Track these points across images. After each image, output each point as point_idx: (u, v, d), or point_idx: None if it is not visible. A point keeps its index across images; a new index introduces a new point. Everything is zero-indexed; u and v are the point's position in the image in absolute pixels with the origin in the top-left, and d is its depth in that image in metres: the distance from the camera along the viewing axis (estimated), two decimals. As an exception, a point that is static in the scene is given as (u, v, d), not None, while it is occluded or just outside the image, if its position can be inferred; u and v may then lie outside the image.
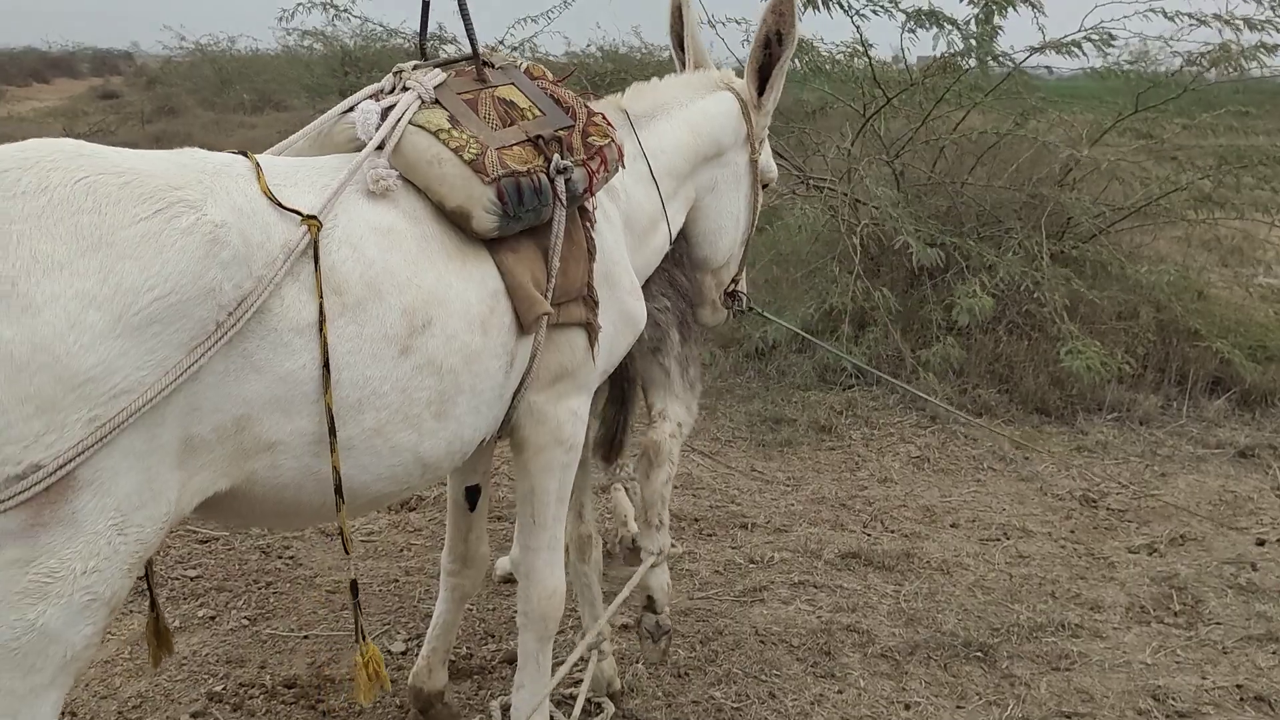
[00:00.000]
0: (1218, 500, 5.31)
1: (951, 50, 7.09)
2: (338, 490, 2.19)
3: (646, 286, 3.08)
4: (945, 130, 7.49)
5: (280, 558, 4.39)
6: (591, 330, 2.74)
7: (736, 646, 3.87)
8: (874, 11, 7.10)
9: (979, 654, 3.83)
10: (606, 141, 2.76)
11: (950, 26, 6.97)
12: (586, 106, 2.82)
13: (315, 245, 2.10)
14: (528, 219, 2.53)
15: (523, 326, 2.52)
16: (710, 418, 6.23)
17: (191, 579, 4.16)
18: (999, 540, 4.85)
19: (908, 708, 3.53)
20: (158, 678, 3.50)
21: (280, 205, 2.10)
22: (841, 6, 6.99)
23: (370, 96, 2.60)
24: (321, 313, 2.08)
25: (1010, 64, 7.22)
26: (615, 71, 10.12)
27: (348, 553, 2.32)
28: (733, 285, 3.52)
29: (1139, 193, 7.17)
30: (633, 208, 3.02)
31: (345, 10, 10.59)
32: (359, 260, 2.20)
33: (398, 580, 4.27)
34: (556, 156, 2.60)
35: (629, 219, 3.00)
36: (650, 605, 3.36)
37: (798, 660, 3.80)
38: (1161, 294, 6.71)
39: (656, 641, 3.39)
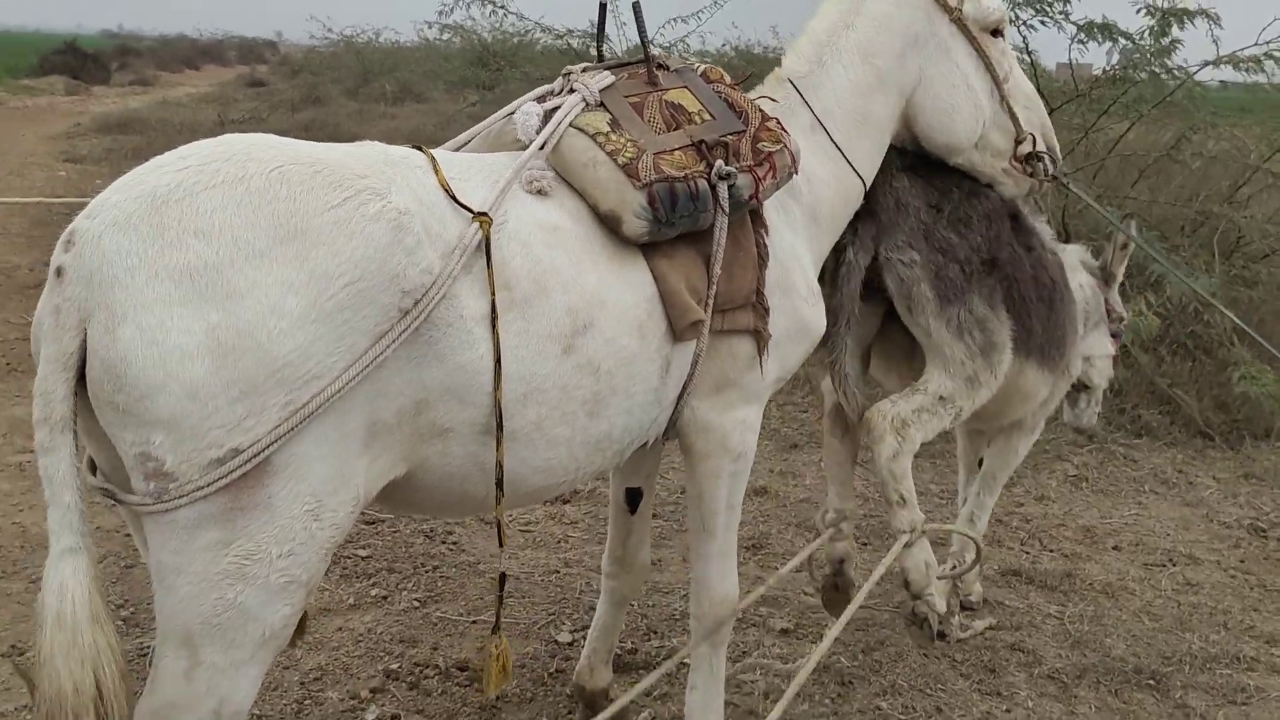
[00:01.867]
0: (1397, 536, 5.09)
1: (1124, 62, 6.90)
2: (499, 484, 2.25)
3: (892, 237, 3.05)
4: (1105, 144, 7.30)
5: (444, 543, 4.49)
6: (761, 339, 2.69)
7: (899, 658, 3.83)
8: (1041, 22, 6.94)
9: (1150, 682, 3.74)
10: (778, 148, 2.70)
11: (1124, 39, 6.78)
12: (762, 111, 2.77)
13: (487, 241, 2.14)
14: (683, 225, 2.50)
15: (675, 334, 2.50)
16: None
17: (363, 559, 4.28)
18: (1165, 566, 4.72)
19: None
20: (336, 652, 3.62)
21: (456, 200, 2.16)
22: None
23: (537, 98, 2.64)
24: (494, 308, 2.13)
25: (1182, 77, 6.99)
26: (750, 69, 10.08)
27: (501, 545, 2.41)
28: (1026, 148, 3.18)
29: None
30: (817, 195, 2.92)
31: (501, 6, 10.74)
32: (527, 257, 2.24)
33: (558, 571, 4.33)
34: (720, 162, 2.56)
35: (814, 211, 2.92)
36: (907, 586, 3.20)
37: (962, 676, 3.75)
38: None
39: (920, 627, 3.26)
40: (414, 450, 2.12)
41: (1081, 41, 6.84)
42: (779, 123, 2.76)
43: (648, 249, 2.50)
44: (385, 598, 4.02)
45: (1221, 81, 8.37)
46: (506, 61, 14.14)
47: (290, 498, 1.90)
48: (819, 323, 2.87)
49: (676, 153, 2.54)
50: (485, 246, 2.14)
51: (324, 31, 24.05)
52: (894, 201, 3.08)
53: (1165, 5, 6.77)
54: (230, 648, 1.91)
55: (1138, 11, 6.82)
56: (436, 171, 2.19)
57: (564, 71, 2.68)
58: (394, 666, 3.56)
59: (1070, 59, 7.11)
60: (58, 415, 1.84)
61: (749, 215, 2.66)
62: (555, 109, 2.56)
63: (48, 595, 1.82)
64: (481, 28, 13.86)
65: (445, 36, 17.83)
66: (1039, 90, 7.16)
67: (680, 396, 2.62)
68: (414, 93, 21.31)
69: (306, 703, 3.36)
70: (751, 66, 10.68)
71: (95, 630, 1.82)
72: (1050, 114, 7.11)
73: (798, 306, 2.79)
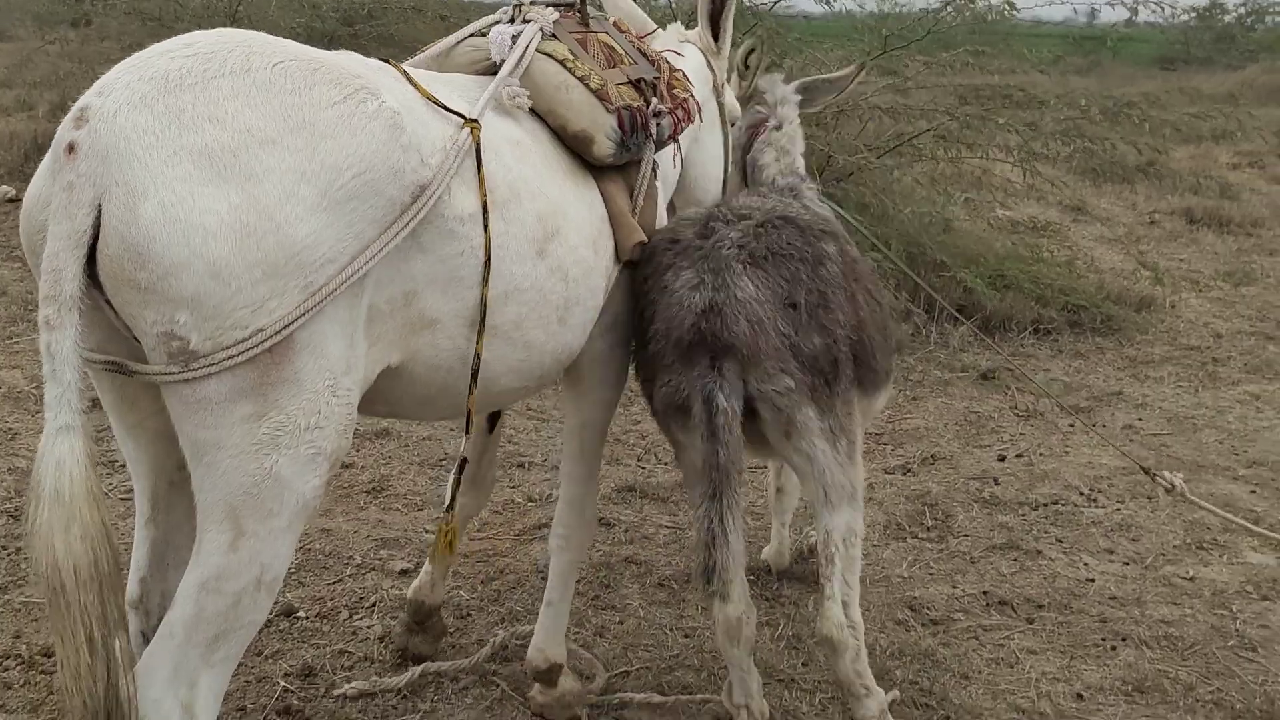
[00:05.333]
0: (964, 420, 5.68)
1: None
2: (474, 375, 2.39)
3: (760, 368, 2.66)
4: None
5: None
6: None
7: (518, 585, 3.91)
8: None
9: (750, 579, 3.97)
10: (687, 95, 3.04)
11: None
12: (668, 61, 3.08)
13: (478, 145, 2.30)
14: (634, 152, 2.78)
15: (619, 253, 2.75)
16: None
17: (-69, 549, 3.88)
18: (763, 467, 5.04)
19: (687, 635, 3.65)
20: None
21: (444, 107, 2.31)
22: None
23: (486, 27, 2.82)
24: (485, 207, 2.28)
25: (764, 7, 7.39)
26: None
27: (468, 432, 2.57)
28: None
29: (890, 130, 7.49)
30: (666, 171, 3.21)
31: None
32: (500, 164, 2.40)
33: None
34: (655, 100, 2.85)
35: (665, 180, 3.18)
36: None
37: (578, 594, 3.86)
38: (911, 227, 7.05)
39: None
40: (406, 341, 2.25)
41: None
42: (684, 73, 3.11)
43: (596, 172, 2.74)
44: (-41, 590, 3.67)
45: (805, 16, 8.90)
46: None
47: (315, 373, 1.99)
48: None
49: (624, 86, 2.80)
50: (476, 150, 2.30)
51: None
52: (748, 324, 2.63)
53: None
54: (269, 516, 2.01)
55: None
56: (414, 83, 2.32)
57: (514, 3, 2.89)
58: (-27, 662, 3.26)
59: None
60: (67, 293, 1.81)
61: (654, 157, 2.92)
62: (518, 35, 2.74)
63: (44, 472, 1.81)
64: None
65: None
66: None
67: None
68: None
69: None
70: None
71: (92, 507, 1.83)
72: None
73: None
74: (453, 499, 2.89)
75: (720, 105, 3.56)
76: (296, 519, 2.06)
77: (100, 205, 1.82)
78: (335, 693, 3.20)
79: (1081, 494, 4.76)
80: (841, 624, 2.77)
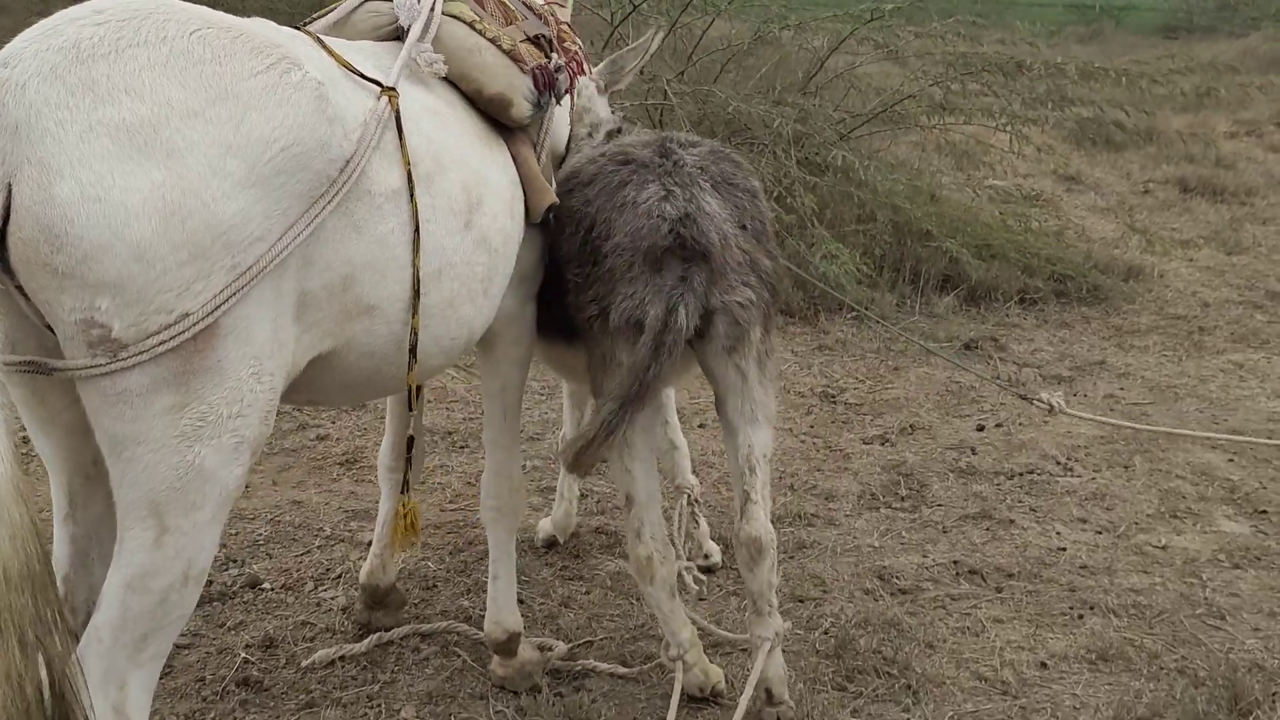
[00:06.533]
0: (944, 391, 5.66)
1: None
2: (412, 350, 2.34)
3: (726, 279, 2.69)
4: (691, 39, 7.56)
5: None
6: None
7: (486, 557, 3.89)
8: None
9: (719, 545, 3.98)
10: (576, 48, 3.01)
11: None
12: (555, 15, 3.01)
13: (398, 114, 2.22)
14: (544, 111, 2.74)
15: (530, 216, 2.69)
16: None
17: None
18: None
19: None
20: None
21: (361, 75, 2.23)
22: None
23: None
24: (410, 178, 2.21)
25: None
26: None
27: (412, 408, 2.64)
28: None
29: (875, 100, 7.44)
30: (559, 127, 3.17)
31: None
32: (421, 135, 2.31)
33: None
34: (555, 56, 2.81)
35: (557, 136, 3.10)
36: (770, 699, 2.97)
37: (546, 565, 3.86)
38: (896, 197, 7.00)
39: None
40: (341, 327, 2.18)
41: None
42: (570, 27, 3.08)
43: (506, 134, 2.68)
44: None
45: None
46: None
47: (238, 359, 1.92)
48: None
49: (525, 44, 2.73)
50: (396, 119, 2.21)
51: None
52: (718, 236, 2.66)
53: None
54: (193, 509, 1.94)
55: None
56: (331, 51, 2.24)
57: None
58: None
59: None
60: None
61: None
62: None
63: None
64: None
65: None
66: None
67: None
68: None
69: None
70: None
71: (20, 505, 1.76)
72: (633, 11, 7.32)
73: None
74: (406, 481, 2.84)
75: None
76: (220, 510, 2.01)
77: (9, 184, 1.73)
78: (304, 664, 3.20)
79: (1058, 463, 4.74)
80: (768, 527, 2.87)
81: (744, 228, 2.76)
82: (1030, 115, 7.53)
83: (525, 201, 2.69)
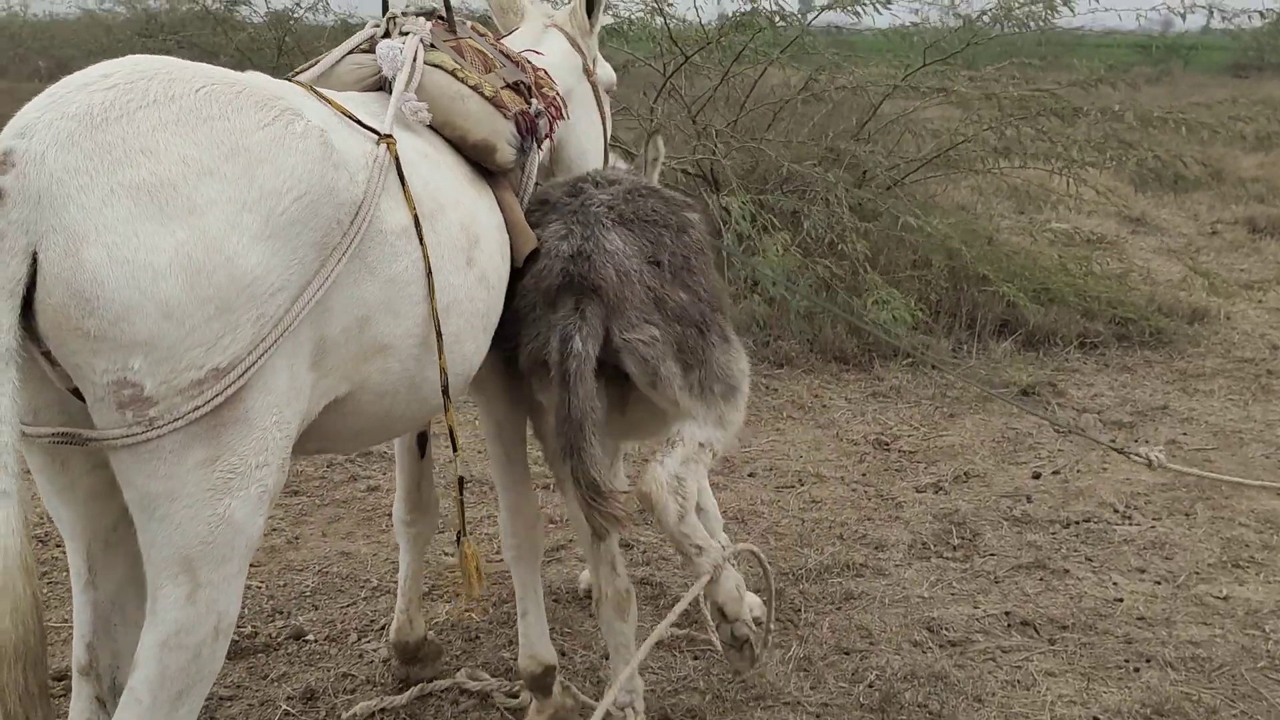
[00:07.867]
0: (1000, 438, 5.56)
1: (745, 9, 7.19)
2: (445, 391, 2.37)
3: (624, 315, 2.70)
4: (744, 88, 7.61)
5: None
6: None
7: (529, 607, 3.89)
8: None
9: (765, 598, 3.93)
10: (555, 93, 3.03)
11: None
12: (530, 62, 3.04)
13: (397, 159, 2.26)
14: (527, 156, 2.79)
15: (514, 259, 2.69)
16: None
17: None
18: (794, 487, 4.98)
19: (696, 658, 3.61)
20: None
21: (360, 123, 2.27)
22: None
23: (368, 39, 2.76)
24: (417, 219, 2.25)
25: (798, 21, 7.37)
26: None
27: (455, 450, 2.56)
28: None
29: (929, 145, 7.41)
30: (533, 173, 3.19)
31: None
32: (418, 177, 2.36)
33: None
34: (535, 101, 2.86)
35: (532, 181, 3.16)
36: (724, 617, 3.00)
37: (589, 616, 3.84)
38: (952, 242, 6.95)
39: (740, 650, 3.07)
40: (357, 369, 2.20)
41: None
42: (547, 73, 3.08)
43: (490, 179, 2.72)
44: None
45: (837, 27, 8.85)
46: (173, 33, 13.41)
47: (263, 409, 1.95)
48: None
49: (506, 90, 2.76)
50: (397, 164, 2.26)
51: (-39, 6, 21.96)
52: (615, 271, 2.68)
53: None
54: (223, 562, 1.96)
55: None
56: (328, 100, 2.29)
57: (387, 16, 2.82)
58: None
59: (694, 4, 7.35)
60: (3, 346, 1.73)
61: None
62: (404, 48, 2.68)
63: None
64: (147, -3, 13.13)
65: (106, 6, 16.84)
66: (672, 39, 7.46)
67: None
68: (72, 69, 19.87)
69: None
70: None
71: (26, 582, 1.74)
72: (685, 62, 7.39)
73: None
74: (463, 524, 2.73)
75: (593, 85, 3.48)
76: (245, 561, 2.01)
77: (36, 253, 1.75)
78: (344, 716, 3.21)
79: (1116, 511, 4.63)
80: (661, 482, 2.79)
81: (657, 264, 2.75)
82: (1088, 159, 7.43)
83: (510, 246, 2.70)
